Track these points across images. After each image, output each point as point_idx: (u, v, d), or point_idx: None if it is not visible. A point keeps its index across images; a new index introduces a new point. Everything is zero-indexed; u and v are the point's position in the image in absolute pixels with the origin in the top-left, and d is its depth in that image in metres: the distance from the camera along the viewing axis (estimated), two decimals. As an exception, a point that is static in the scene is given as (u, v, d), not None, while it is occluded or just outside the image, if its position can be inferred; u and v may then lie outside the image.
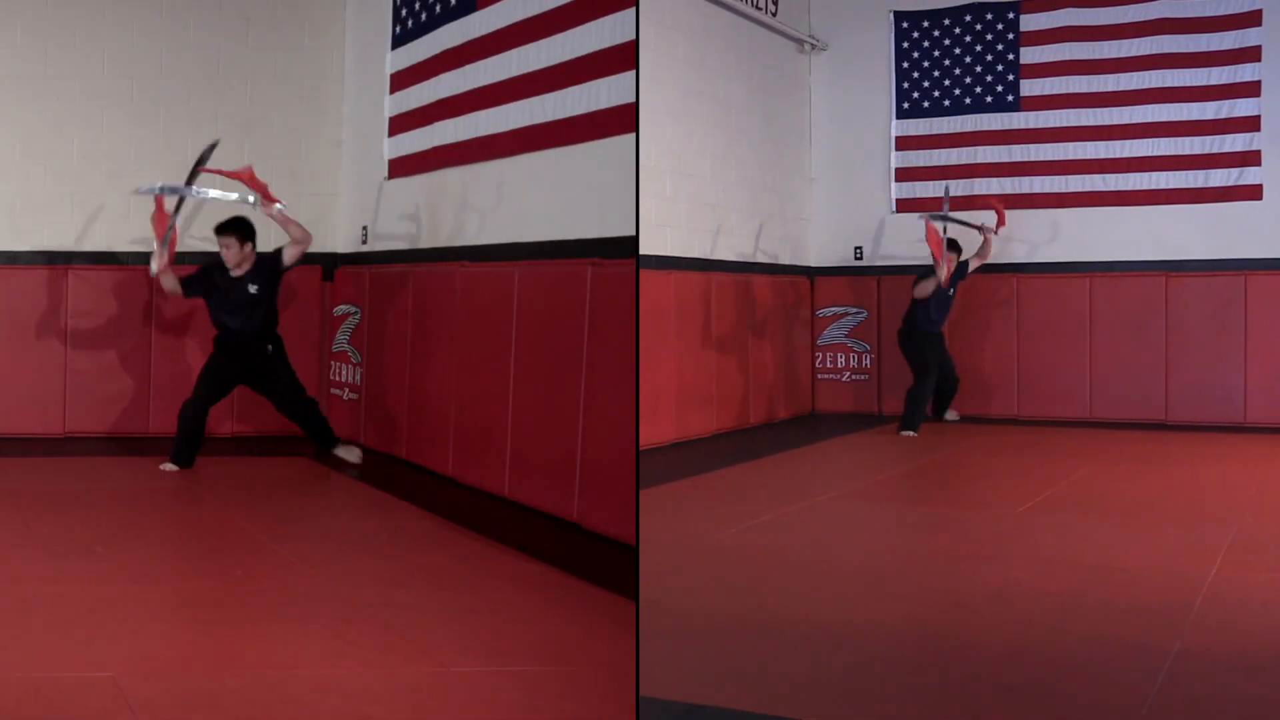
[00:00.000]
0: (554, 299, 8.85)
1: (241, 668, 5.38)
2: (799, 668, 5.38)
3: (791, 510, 8.98)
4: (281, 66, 12.77)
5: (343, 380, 12.13)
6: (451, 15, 10.91)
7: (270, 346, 10.42)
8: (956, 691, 5.05)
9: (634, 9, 10.24)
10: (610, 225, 9.77)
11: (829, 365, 15.40)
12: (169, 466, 10.24)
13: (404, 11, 11.76)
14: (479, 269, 9.96)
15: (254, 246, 10.34)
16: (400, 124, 11.90)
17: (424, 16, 11.39)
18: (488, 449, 9.44)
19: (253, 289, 10.28)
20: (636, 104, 9.84)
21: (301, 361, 11.89)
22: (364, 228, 12.52)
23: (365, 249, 12.46)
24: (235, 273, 10.26)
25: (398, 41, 11.92)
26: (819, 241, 15.63)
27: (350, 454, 10.74)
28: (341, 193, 12.97)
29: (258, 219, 10.42)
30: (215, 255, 10.39)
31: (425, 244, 11.36)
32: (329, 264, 12.69)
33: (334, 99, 12.97)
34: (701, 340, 12.83)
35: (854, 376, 15.28)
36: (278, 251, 10.41)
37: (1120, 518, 8.73)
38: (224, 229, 10.25)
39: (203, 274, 10.40)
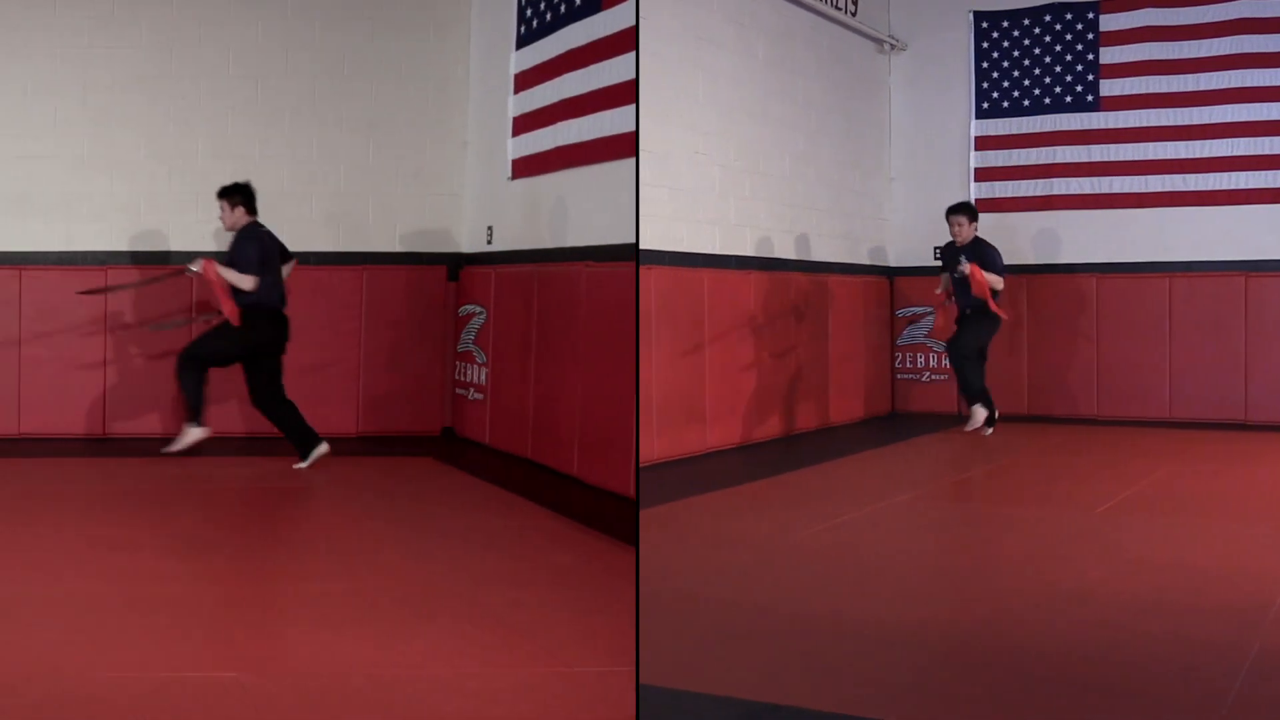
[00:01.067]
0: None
1: (365, 668, 5.42)
2: (877, 668, 5.43)
3: (870, 510, 9.01)
4: (407, 66, 12.86)
5: (468, 380, 12.21)
6: (576, 15, 10.99)
7: (268, 325, 10.53)
8: (1035, 692, 5.06)
9: (634, 9, 10.27)
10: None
11: (908, 365, 15.40)
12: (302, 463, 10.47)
13: (529, 11, 11.84)
14: (603, 269, 9.99)
15: (245, 211, 10.68)
16: (524, 124, 11.98)
17: (549, 16, 11.48)
18: (611, 449, 9.51)
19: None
20: (636, 106, 9.93)
21: (428, 361, 12.15)
22: (489, 228, 12.62)
23: (490, 249, 12.55)
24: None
25: (522, 41, 12.01)
26: (898, 242, 15.64)
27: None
28: (466, 193, 13.03)
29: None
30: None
31: (551, 244, 11.44)
32: (454, 264, 12.76)
33: (459, 99, 13.03)
34: (780, 340, 12.87)
35: (933, 377, 15.29)
36: (252, 236, 10.58)
37: (1199, 518, 8.73)
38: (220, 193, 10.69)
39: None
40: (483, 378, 11.98)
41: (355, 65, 12.76)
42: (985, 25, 15.35)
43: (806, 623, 6.09)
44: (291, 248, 11.31)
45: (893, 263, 15.66)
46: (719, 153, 12.20)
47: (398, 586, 6.86)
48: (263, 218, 10.83)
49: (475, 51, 13.04)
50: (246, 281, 10.24)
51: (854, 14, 14.71)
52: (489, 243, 12.59)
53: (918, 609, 6.39)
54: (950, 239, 12.88)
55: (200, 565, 7.28)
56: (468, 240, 12.94)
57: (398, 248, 12.75)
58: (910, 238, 15.44)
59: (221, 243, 11.91)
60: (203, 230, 12.19)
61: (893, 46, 15.63)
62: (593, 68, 10.75)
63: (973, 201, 15.01)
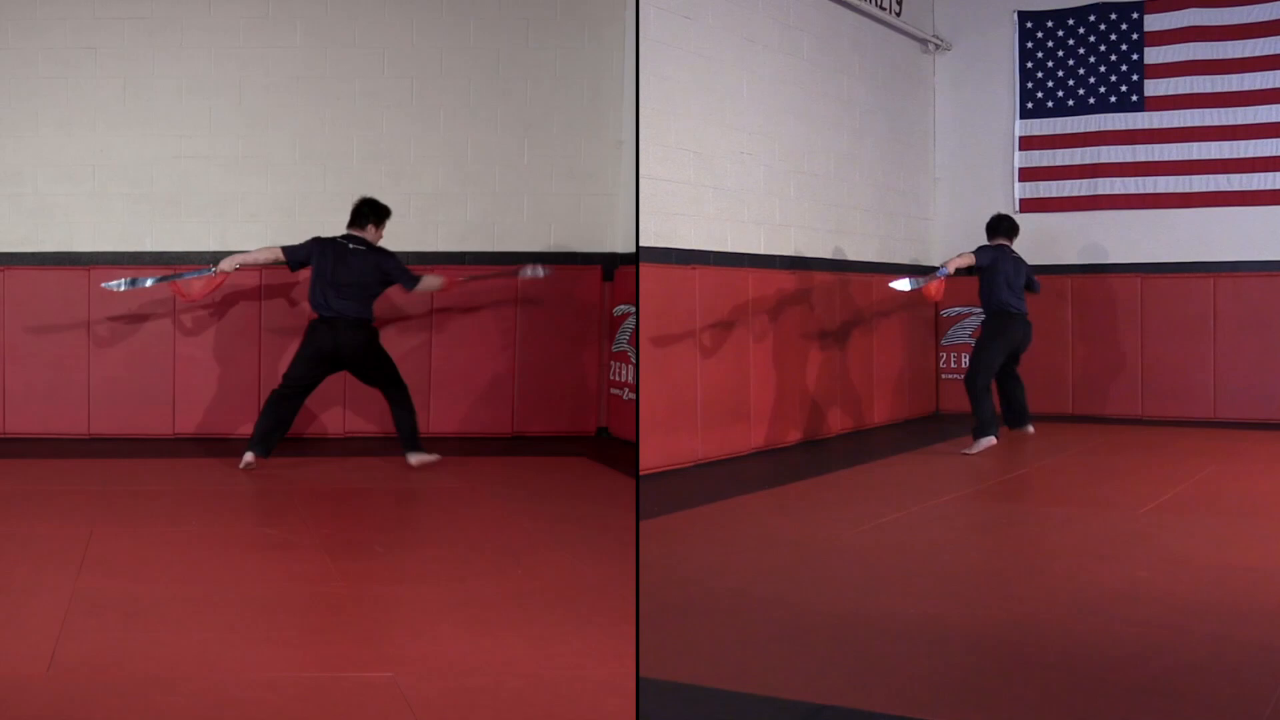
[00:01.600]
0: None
1: (521, 668, 5.44)
2: (924, 667, 5.47)
3: (915, 510, 9.05)
4: (562, 66, 12.81)
5: (622, 380, 12.26)
6: None
7: (365, 335, 10.54)
8: (1080, 692, 5.08)
9: (634, 10, 10.27)
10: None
11: (953, 365, 15.40)
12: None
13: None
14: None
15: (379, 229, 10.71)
16: None
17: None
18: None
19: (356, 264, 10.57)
20: (637, 106, 9.96)
21: (583, 361, 12.33)
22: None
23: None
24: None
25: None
26: (943, 241, 15.63)
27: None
28: (620, 192, 13.01)
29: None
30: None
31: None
32: (609, 264, 12.77)
33: (614, 98, 12.97)
34: (823, 340, 12.90)
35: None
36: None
37: (1245, 518, 8.73)
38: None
39: None
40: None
41: (510, 65, 12.72)
42: (1029, 25, 15.34)
43: (852, 623, 6.13)
44: (447, 248, 11.83)
45: (937, 263, 15.63)
46: (765, 153, 12.24)
47: (553, 586, 6.89)
48: (412, 217, 10.93)
49: (628, 52, 13.02)
50: (267, 253, 10.72)
51: (898, 14, 14.72)
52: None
53: (962, 609, 6.41)
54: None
55: (355, 565, 7.33)
56: (622, 240, 12.92)
57: (552, 247, 12.80)
58: (954, 237, 15.42)
59: (388, 243, 12.10)
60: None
61: (937, 46, 15.63)
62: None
63: (1018, 201, 15.03)
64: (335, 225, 11.94)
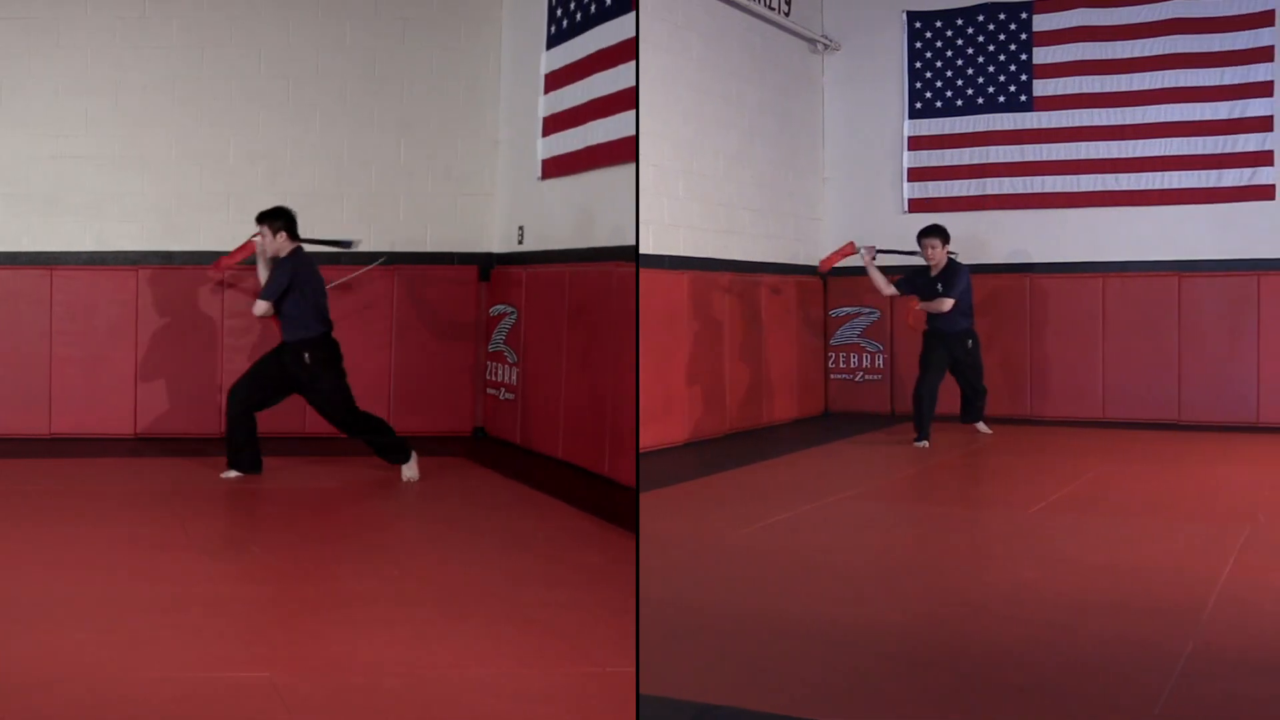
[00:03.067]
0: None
1: (398, 667, 5.45)
2: (810, 667, 5.40)
3: (804, 510, 8.98)
4: (438, 66, 12.80)
5: (499, 380, 12.17)
6: (607, 15, 10.96)
7: (307, 355, 10.02)
8: (967, 691, 5.05)
9: (634, 11, 10.27)
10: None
11: (842, 365, 15.40)
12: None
13: (559, 11, 11.80)
14: (617, 269, 10.14)
15: (287, 236, 10.13)
16: (554, 124, 11.95)
17: (579, 16, 11.43)
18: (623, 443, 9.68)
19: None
20: (636, 109, 9.88)
21: (459, 361, 12.24)
22: (520, 228, 12.58)
23: (521, 249, 12.53)
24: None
25: (553, 41, 11.96)
26: (832, 241, 15.62)
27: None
28: (497, 192, 13.00)
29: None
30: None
31: (580, 244, 11.43)
32: (485, 264, 12.75)
33: (490, 99, 12.99)
34: (714, 340, 12.84)
35: (867, 376, 15.29)
36: (287, 265, 10.13)
37: (1133, 518, 8.75)
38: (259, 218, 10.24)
39: None
40: (514, 377, 12.02)
41: (387, 65, 12.73)
42: (918, 25, 15.36)
43: (739, 622, 6.05)
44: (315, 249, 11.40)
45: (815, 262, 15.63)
46: (652, 153, 12.14)
47: (430, 586, 6.95)
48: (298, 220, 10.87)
49: (506, 51, 13.00)
50: (258, 308, 10.04)
51: (787, 14, 14.69)
52: (520, 243, 12.57)
53: (851, 609, 6.35)
54: (925, 264, 12.70)
55: (232, 565, 7.37)
56: (499, 241, 12.95)
57: (429, 247, 12.70)
58: (844, 237, 15.37)
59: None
60: (234, 230, 12.00)
61: (826, 46, 15.63)
62: (621, 68, 10.77)
63: (907, 201, 15.04)
64: (212, 224, 11.91)
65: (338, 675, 5.31)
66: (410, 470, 10.10)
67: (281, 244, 10.09)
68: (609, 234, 10.88)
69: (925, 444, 12.16)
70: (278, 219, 10.11)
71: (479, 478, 10.52)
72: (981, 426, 13.29)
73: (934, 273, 12.60)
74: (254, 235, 10.21)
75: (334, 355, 10.03)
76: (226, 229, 12.02)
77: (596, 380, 10.41)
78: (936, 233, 12.61)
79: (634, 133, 10.26)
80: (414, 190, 12.75)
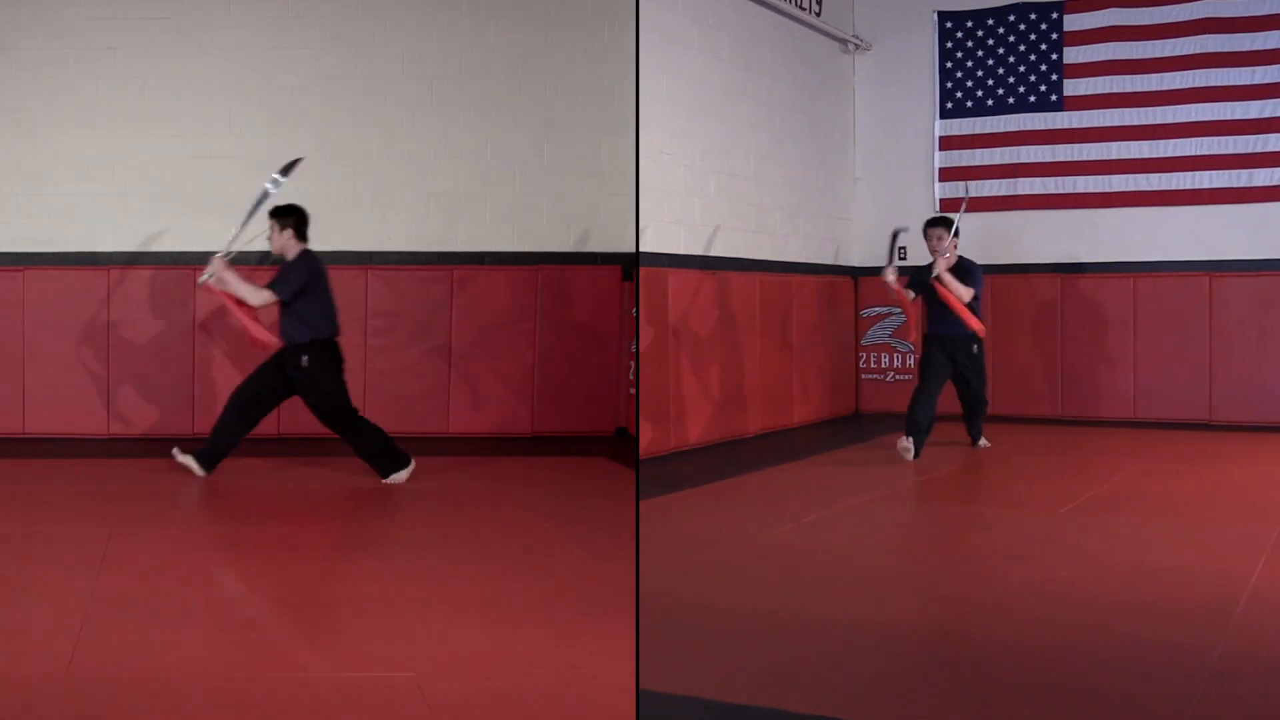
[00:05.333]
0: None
1: (543, 668, 5.44)
2: (842, 667, 5.42)
3: (834, 511, 9.00)
4: (583, 64, 12.72)
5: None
6: None
7: (305, 358, 9.81)
8: (998, 691, 5.07)
9: (634, 11, 10.25)
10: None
11: (873, 365, 15.41)
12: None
13: None
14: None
15: (295, 236, 9.99)
16: None
17: None
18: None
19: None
20: (636, 106, 9.90)
21: (602, 360, 12.26)
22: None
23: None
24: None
25: None
26: (862, 241, 15.64)
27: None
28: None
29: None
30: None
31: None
32: (628, 264, 12.69)
33: (632, 100, 12.79)
34: (744, 340, 12.86)
35: (898, 377, 15.29)
36: (302, 265, 9.98)
37: (1164, 518, 8.74)
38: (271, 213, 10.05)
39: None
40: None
41: (531, 65, 12.65)
42: (949, 25, 15.36)
43: (769, 623, 6.07)
44: (468, 247, 11.73)
45: (857, 263, 15.64)
46: (684, 153, 12.18)
47: (575, 586, 6.92)
48: (439, 217, 10.76)
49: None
50: (256, 296, 9.78)
51: (818, 14, 14.70)
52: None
53: (881, 610, 6.37)
54: (929, 260, 11.74)
55: (374, 565, 7.37)
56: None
57: (573, 247, 12.74)
58: (874, 237, 15.42)
59: (400, 243, 12.13)
60: (376, 230, 12.21)
61: (857, 46, 15.63)
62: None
63: (939, 201, 15.02)
64: (356, 223, 11.80)
65: (480, 675, 5.32)
66: (400, 478, 9.87)
67: (288, 243, 9.98)
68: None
69: (910, 453, 11.35)
70: (288, 216, 9.99)
71: (618, 476, 10.49)
72: (982, 442, 12.29)
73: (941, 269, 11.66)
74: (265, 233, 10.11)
75: (335, 358, 9.88)
76: (371, 229, 12.11)
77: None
78: (943, 223, 11.77)
79: (633, 133, 10.19)
80: (559, 190, 12.67)
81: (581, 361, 12.51)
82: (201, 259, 11.45)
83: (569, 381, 12.49)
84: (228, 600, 6.52)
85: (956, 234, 11.70)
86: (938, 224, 11.82)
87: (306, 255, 9.97)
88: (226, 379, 11.83)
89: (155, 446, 10.89)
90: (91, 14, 11.99)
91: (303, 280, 9.80)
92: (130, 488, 9.57)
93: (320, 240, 11.57)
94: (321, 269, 9.96)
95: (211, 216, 11.83)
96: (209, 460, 9.88)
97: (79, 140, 11.99)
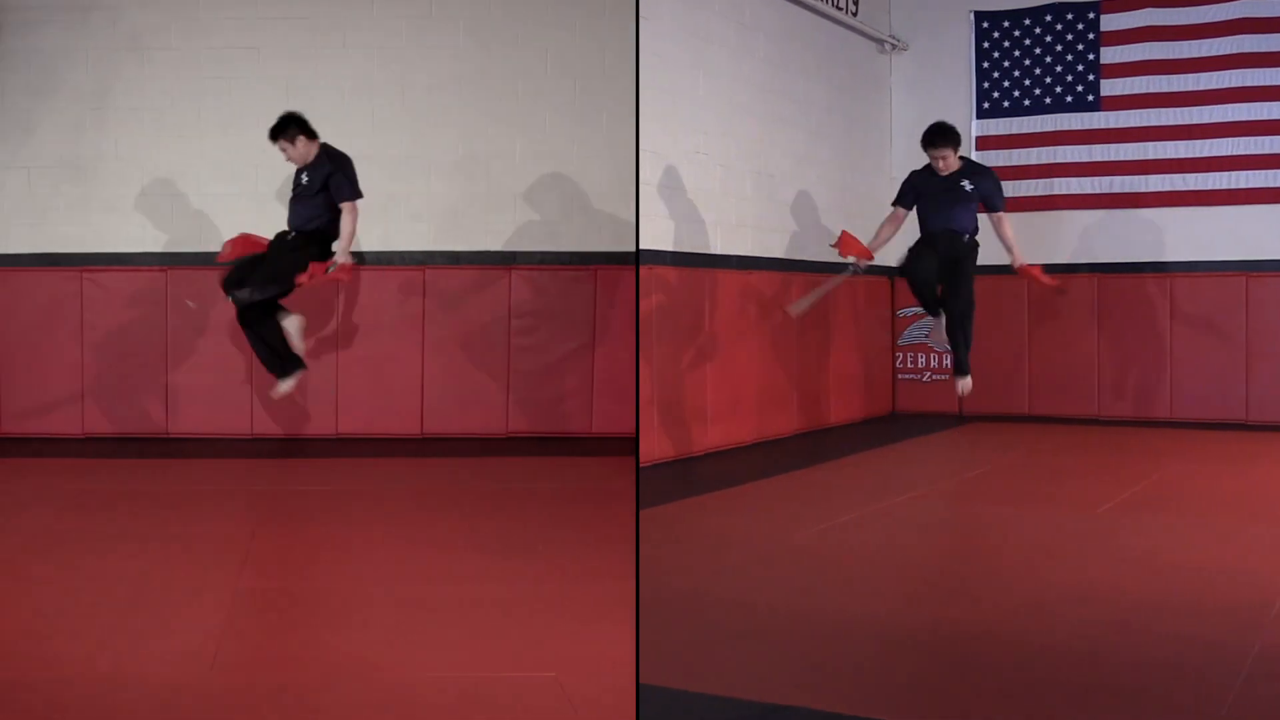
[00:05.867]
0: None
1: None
2: (879, 668, 5.46)
3: (870, 510, 9.02)
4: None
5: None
6: None
7: (293, 234, 9.82)
8: (1035, 691, 5.08)
9: (634, 11, 10.26)
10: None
11: (909, 365, 15.41)
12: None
13: None
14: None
15: (307, 135, 9.81)
16: None
17: None
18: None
19: (305, 178, 9.87)
20: (637, 107, 9.90)
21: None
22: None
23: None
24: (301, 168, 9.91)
25: None
26: (899, 242, 15.60)
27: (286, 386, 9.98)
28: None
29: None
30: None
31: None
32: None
33: None
34: (780, 340, 12.88)
35: (934, 377, 15.29)
36: (346, 163, 9.90)
37: (1201, 517, 8.74)
38: (276, 133, 9.79)
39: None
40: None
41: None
42: (986, 25, 15.36)
43: (806, 622, 6.10)
44: (603, 248, 11.85)
45: (893, 263, 15.60)
46: (721, 153, 12.20)
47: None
48: (573, 218, 10.71)
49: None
50: (354, 227, 9.74)
51: (854, 14, 14.71)
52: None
53: (917, 609, 6.40)
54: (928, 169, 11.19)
55: (516, 565, 7.34)
56: None
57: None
58: (911, 238, 15.39)
59: (541, 243, 12.14)
60: (519, 230, 12.21)
61: (893, 46, 15.63)
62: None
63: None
64: (499, 225, 11.84)
65: (622, 676, 5.28)
66: (286, 386, 9.89)
67: (308, 146, 9.84)
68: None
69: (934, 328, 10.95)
70: (291, 126, 9.76)
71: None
72: (962, 384, 11.10)
73: (944, 173, 11.01)
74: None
75: (317, 249, 9.73)
76: (513, 229, 12.08)
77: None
78: (948, 139, 10.92)
79: (634, 134, 10.18)
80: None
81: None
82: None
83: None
84: (369, 600, 6.53)
85: (959, 144, 11.06)
86: (942, 141, 10.91)
87: (328, 148, 9.93)
88: (371, 378, 12.08)
89: (299, 446, 10.97)
90: (231, 14, 12.07)
91: (354, 170, 9.82)
92: (272, 486, 9.68)
93: (462, 240, 11.59)
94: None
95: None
96: (283, 368, 9.92)
97: (219, 141, 12.05)
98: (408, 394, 12.18)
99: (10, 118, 12.07)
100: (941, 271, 10.87)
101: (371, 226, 11.88)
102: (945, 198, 10.94)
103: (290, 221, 9.93)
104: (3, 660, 5.50)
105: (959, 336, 10.85)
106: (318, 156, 9.84)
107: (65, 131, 12.04)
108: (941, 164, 10.90)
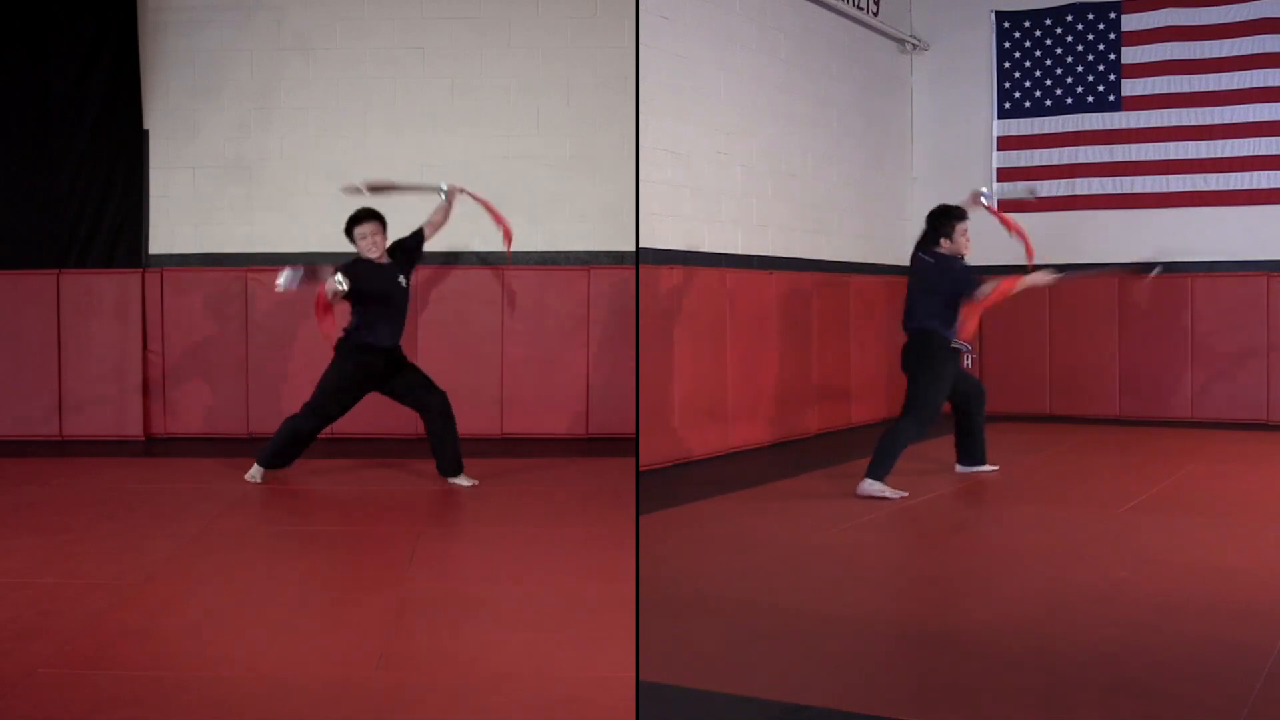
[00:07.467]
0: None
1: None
2: (902, 668, 5.48)
3: (892, 510, 9.03)
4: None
5: None
6: None
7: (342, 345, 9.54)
8: (1057, 691, 5.08)
9: (635, 10, 10.26)
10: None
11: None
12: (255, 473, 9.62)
13: None
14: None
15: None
16: None
17: None
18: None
19: (403, 281, 9.56)
20: (637, 106, 9.90)
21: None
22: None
23: None
24: (381, 261, 9.51)
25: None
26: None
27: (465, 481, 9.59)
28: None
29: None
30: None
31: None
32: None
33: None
34: (803, 340, 12.89)
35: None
36: (417, 233, 9.87)
37: (1222, 518, 8.73)
38: (365, 216, 9.51)
39: (351, 270, 9.30)
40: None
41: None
42: (1007, 25, 15.36)
43: (830, 623, 6.11)
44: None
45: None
46: (742, 153, 12.23)
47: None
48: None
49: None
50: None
51: (875, 14, 14.73)
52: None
53: (940, 609, 6.42)
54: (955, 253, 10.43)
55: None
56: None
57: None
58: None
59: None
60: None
61: (914, 46, 15.65)
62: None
63: (995, 201, 14.96)
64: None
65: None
66: (255, 476, 9.58)
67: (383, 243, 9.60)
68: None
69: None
70: (379, 218, 9.56)
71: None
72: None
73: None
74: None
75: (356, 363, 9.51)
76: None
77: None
78: (961, 214, 10.43)
79: (634, 133, 10.16)
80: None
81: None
82: (505, 259, 11.25)
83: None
84: (534, 599, 6.52)
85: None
86: (961, 216, 10.34)
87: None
88: (540, 372, 12.14)
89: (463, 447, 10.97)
90: (396, 14, 12.20)
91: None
92: (435, 486, 9.66)
93: (627, 240, 11.58)
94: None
95: (519, 217, 11.33)
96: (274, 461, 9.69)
97: (384, 141, 12.17)
98: (573, 394, 12.26)
99: (175, 118, 12.21)
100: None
101: (537, 225, 12.06)
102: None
103: (395, 336, 9.60)
104: (169, 660, 5.56)
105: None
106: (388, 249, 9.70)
107: (229, 131, 12.20)
108: (965, 239, 10.36)
